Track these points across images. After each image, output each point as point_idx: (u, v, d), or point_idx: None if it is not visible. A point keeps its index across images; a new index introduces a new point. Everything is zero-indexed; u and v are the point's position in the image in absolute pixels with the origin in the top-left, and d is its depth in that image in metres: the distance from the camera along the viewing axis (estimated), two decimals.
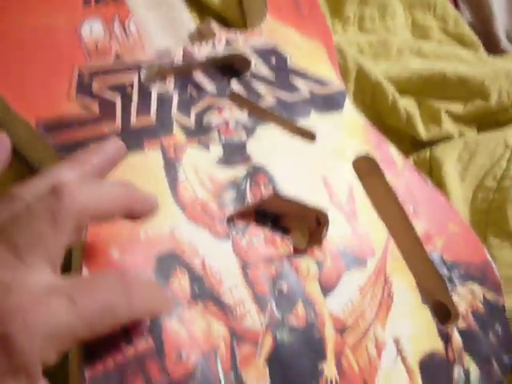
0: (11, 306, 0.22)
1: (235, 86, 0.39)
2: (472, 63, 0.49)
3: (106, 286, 0.24)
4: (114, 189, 0.27)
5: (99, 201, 0.25)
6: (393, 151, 0.41)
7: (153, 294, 0.28)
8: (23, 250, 0.23)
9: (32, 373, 0.22)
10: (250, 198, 0.35)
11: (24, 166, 0.35)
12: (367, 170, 0.40)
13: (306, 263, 0.35)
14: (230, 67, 0.41)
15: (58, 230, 0.24)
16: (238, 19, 0.46)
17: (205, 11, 0.47)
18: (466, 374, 0.36)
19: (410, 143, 0.49)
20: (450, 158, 0.46)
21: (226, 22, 0.46)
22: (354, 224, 0.37)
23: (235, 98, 0.38)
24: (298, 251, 0.36)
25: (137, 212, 0.28)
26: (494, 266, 0.40)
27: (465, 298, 0.38)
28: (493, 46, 0.58)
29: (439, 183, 0.46)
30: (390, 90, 0.46)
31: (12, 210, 0.24)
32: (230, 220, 0.35)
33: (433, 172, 0.46)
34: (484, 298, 0.39)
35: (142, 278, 0.29)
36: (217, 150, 0.36)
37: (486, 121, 0.49)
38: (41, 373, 0.22)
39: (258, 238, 0.36)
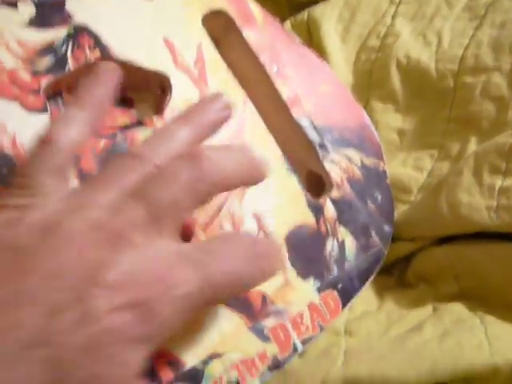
0: (147, 271, 0.21)
1: None
2: None
3: (236, 254, 0.23)
4: (240, 156, 0.25)
5: (232, 172, 0.24)
6: (252, 6, 0.36)
7: (278, 261, 0.26)
8: (160, 214, 0.22)
9: (162, 338, 0.21)
10: (71, 64, 0.30)
11: None
12: (221, 27, 0.34)
13: (144, 135, 0.30)
14: None
15: (195, 197, 0.23)
16: None
17: None
18: (341, 245, 0.32)
19: (287, 7, 0.44)
20: (329, 18, 0.41)
21: None
22: (203, 88, 0.32)
23: None
24: (134, 123, 0.31)
25: (254, 180, 0.26)
26: (372, 129, 0.36)
27: (339, 164, 0.34)
28: None
29: (318, 46, 0.41)
30: None
31: (142, 172, 0.23)
32: (52, 92, 0.30)
33: (311, 35, 0.41)
34: (362, 163, 0.35)
35: (268, 241, 0.27)
36: (27, 10, 0.30)
37: None
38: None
39: None
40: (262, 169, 0.26)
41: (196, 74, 0.32)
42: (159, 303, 0.20)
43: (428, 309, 0.32)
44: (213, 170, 0.23)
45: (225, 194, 0.31)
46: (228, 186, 0.24)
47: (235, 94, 0.33)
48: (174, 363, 0.27)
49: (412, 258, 0.36)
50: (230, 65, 0.33)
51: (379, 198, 0.34)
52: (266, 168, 0.26)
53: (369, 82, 0.39)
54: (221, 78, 0.33)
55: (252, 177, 0.26)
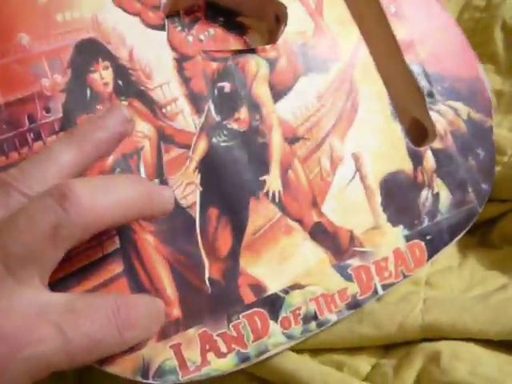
0: None
1: None
2: None
3: (100, 316, 0.22)
4: (129, 190, 0.23)
5: (112, 212, 0.22)
6: None
7: (150, 323, 0.25)
8: (16, 262, 0.20)
9: None
10: None
11: None
12: None
13: (256, 62, 0.30)
14: None
15: (58, 245, 0.21)
16: None
17: None
18: (435, 197, 0.32)
19: None
20: None
21: None
22: (319, 22, 0.32)
23: None
24: (247, 50, 0.31)
25: (151, 216, 0.24)
26: (485, 83, 0.35)
27: (445, 116, 0.33)
28: None
29: None
30: None
31: (7, 205, 0.21)
32: (169, 10, 0.30)
33: None
34: (469, 117, 0.33)
35: (140, 300, 0.25)
36: None
37: None
38: None
39: (207, 35, 0.31)
40: (162, 201, 0.24)
41: (313, 7, 0.32)
42: (3, 364, 0.19)
43: None
44: (82, 212, 0.21)
45: (327, 129, 0.31)
46: (105, 225, 0.22)
47: (349, 30, 0.32)
48: (256, 287, 0.28)
49: (497, 219, 0.35)
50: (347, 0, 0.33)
51: (481, 154, 0.33)
52: (168, 200, 0.24)
53: (470, 42, 0.38)
54: (336, 13, 0.32)
55: (146, 213, 0.24)
